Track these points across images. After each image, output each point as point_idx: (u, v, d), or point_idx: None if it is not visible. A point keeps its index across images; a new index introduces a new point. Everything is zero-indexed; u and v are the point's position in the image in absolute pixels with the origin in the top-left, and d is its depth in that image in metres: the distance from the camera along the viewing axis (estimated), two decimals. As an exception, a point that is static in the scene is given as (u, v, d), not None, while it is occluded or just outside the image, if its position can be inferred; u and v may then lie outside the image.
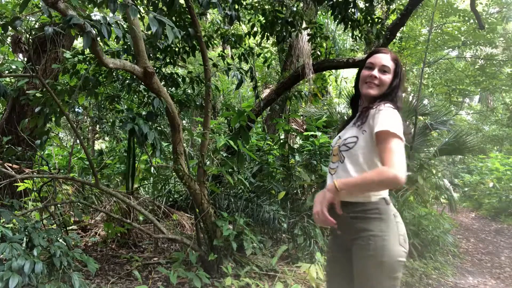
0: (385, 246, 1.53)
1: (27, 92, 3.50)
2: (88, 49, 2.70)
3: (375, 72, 1.69)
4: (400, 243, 1.57)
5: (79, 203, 4.18)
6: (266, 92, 9.24)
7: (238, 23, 5.37)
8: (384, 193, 1.63)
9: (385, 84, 1.69)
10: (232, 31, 4.81)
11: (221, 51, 5.09)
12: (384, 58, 1.71)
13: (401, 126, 1.57)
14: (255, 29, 4.68)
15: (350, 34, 4.87)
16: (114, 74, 3.77)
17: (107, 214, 4.12)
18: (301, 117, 8.06)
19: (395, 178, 1.46)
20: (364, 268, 1.56)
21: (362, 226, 1.57)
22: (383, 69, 1.70)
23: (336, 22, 4.36)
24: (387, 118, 1.55)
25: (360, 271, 1.57)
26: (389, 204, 1.63)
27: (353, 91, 1.89)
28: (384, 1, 5.37)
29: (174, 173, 4.55)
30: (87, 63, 3.60)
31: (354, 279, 1.62)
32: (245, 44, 4.96)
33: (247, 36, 4.84)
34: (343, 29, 4.60)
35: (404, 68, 1.78)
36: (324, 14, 8.63)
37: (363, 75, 1.74)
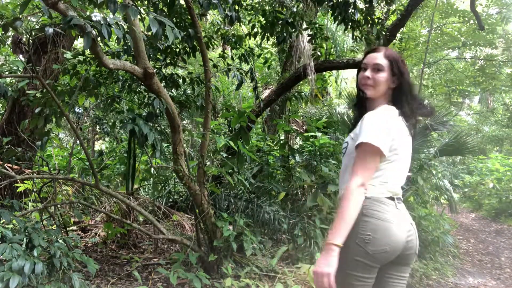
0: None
1: (27, 92, 3.50)
2: (88, 50, 2.70)
3: (368, 72, 1.66)
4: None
5: (79, 204, 4.17)
6: (266, 92, 9.25)
7: (238, 23, 5.37)
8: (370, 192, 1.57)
9: (380, 83, 1.64)
10: (232, 32, 4.81)
11: (221, 51, 5.09)
12: (376, 57, 1.67)
13: (381, 132, 1.53)
14: (255, 29, 4.68)
15: (350, 35, 4.87)
16: (114, 74, 3.77)
17: (107, 215, 4.12)
18: (301, 117, 8.06)
19: (358, 189, 1.49)
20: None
21: None
22: (376, 68, 1.65)
23: (336, 23, 4.36)
24: (366, 127, 1.56)
25: None
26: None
27: (354, 92, 1.90)
28: (384, 2, 5.37)
29: (174, 174, 4.55)
30: (88, 63, 3.60)
31: None
32: (245, 45, 4.96)
33: (247, 37, 4.84)
34: (343, 29, 4.60)
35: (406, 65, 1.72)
36: (324, 14, 8.63)
37: (359, 78, 1.72)
